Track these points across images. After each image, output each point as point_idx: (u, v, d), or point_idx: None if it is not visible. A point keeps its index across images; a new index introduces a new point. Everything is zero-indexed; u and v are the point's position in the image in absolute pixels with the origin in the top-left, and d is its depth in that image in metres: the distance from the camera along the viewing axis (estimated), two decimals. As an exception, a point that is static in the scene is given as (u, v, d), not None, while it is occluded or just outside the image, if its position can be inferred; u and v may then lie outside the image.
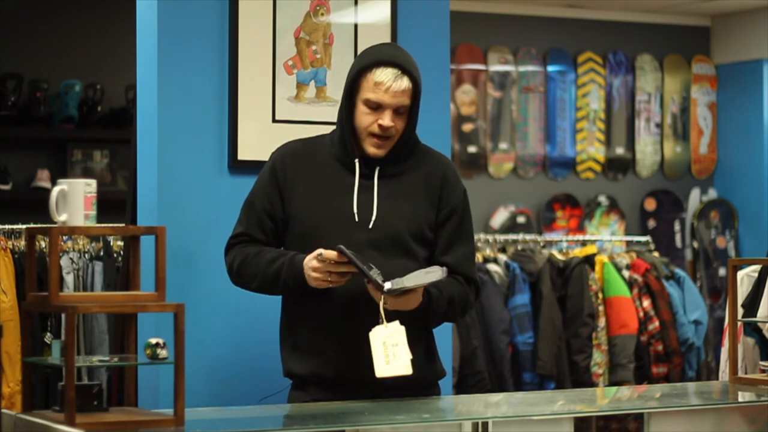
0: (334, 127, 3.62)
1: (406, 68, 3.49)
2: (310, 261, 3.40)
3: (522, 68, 8.57)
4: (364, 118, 3.50)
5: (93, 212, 3.06)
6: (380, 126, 3.48)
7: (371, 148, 3.51)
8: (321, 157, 3.58)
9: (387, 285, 3.32)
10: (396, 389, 3.48)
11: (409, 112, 3.52)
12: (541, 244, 6.72)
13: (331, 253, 3.35)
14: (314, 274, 3.39)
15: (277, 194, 3.56)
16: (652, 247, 7.05)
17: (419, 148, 3.63)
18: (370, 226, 3.50)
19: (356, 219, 3.50)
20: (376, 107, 3.48)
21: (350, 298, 3.45)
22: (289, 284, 3.46)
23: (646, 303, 6.59)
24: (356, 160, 3.53)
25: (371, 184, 3.53)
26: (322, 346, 3.49)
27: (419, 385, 3.55)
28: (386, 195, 3.53)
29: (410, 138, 3.57)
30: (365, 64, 3.49)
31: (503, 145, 8.51)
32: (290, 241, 3.55)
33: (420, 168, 3.59)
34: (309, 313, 3.51)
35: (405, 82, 3.48)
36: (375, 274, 3.33)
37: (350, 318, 3.46)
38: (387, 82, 3.47)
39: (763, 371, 3.99)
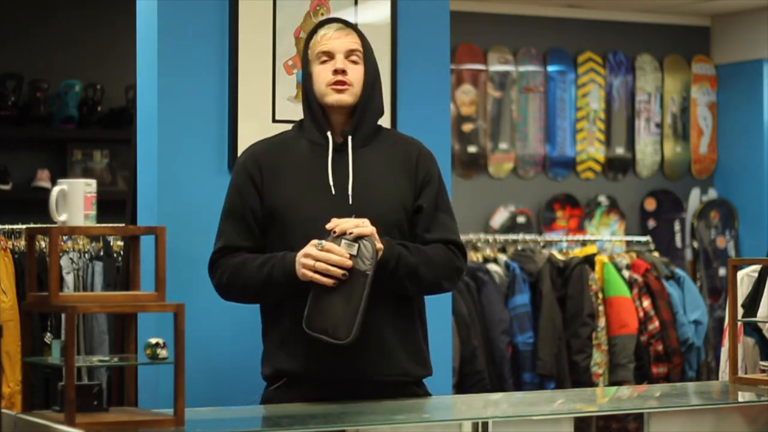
0: None
1: (347, 23, 3.60)
2: (306, 248, 3.36)
3: (522, 68, 8.57)
4: (320, 74, 3.53)
5: (93, 212, 3.06)
6: (335, 71, 3.50)
7: (333, 96, 3.52)
8: (292, 147, 3.59)
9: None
10: (376, 385, 3.45)
11: (366, 67, 3.55)
12: (541, 244, 6.73)
13: (331, 245, 3.33)
14: (303, 260, 3.35)
15: (256, 194, 3.53)
16: (652, 247, 7.05)
17: (391, 131, 3.67)
18: (350, 198, 3.49)
19: (332, 192, 3.49)
20: (327, 58, 3.53)
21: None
22: (281, 281, 3.41)
23: (646, 303, 6.60)
24: (328, 134, 3.54)
25: (345, 159, 3.53)
26: (305, 341, 3.45)
27: (401, 381, 3.51)
28: (361, 166, 3.53)
29: (373, 99, 3.57)
30: (311, 30, 3.61)
31: (503, 145, 8.51)
32: (276, 232, 3.53)
33: (394, 145, 3.61)
34: (290, 310, 3.47)
35: (349, 31, 3.57)
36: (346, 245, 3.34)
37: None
38: (329, 32, 3.56)
39: (763, 371, 3.99)
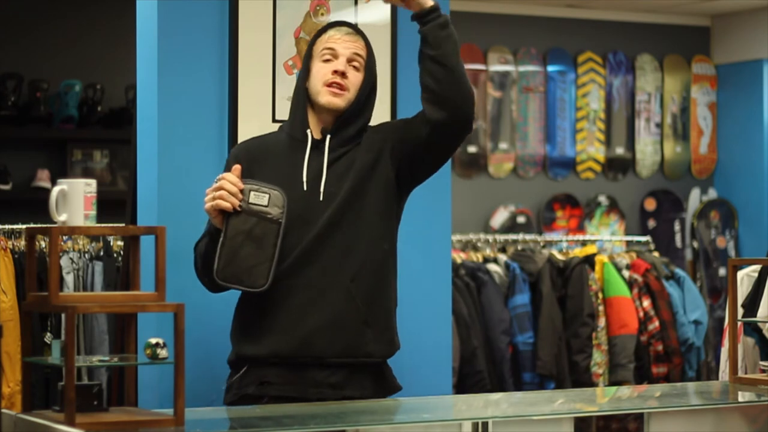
0: None
1: (358, 31, 3.62)
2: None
3: (522, 68, 8.57)
4: (320, 71, 3.56)
5: (93, 212, 3.06)
6: (335, 72, 3.53)
7: (327, 97, 3.54)
8: (274, 142, 3.63)
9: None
10: (340, 366, 3.48)
11: (365, 76, 3.57)
12: (541, 244, 6.73)
13: (225, 173, 3.43)
14: (205, 199, 3.43)
15: None
16: (652, 247, 7.05)
17: (371, 128, 3.68)
18: (321, 195, 3.51)
19: (305, 188, 3.52)
20: (330, 57, 3.55)
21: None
22: (210, 244, 3.48)
23: (646, 303, 6.59)
24: (308, 131, 3.56)
25: (321, 158, 3.54)
26: (269, 324, 3.50)
27: (363, 363, 3.53)
28: (336, 165, 3.55)
29: (365, 107, 3.59)
30: (321, 29, 3.64)
31: (503, 145, 8.51)
32: None
33: (368, 141, 3.61)
34: (250, 296, 3.52)
35: (357, 38, 3.60)
36: (256, 197, 3.40)
37: (294, 294, 3.48)
38: (338, 34, 3.59)
39: (763, 371, 3.99)
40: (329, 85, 3.54)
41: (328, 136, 3.56)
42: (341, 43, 3.57)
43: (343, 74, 3.54)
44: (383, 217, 3.54)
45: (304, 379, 3.49)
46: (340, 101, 3.55)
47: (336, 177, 3.54)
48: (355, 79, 3.56)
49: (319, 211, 3.49)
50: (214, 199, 3.42)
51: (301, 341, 3.48)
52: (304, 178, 3.53)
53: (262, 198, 3.41)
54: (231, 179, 3.42)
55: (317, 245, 3.48)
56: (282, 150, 3.59)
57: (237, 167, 3.44)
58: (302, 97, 3.59)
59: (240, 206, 3.41)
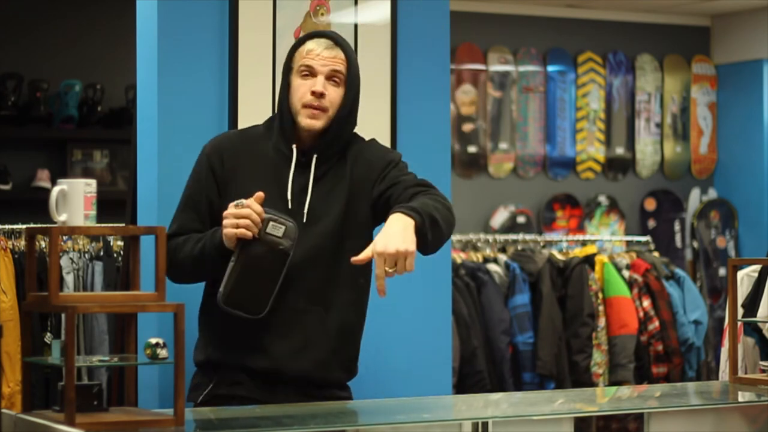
0: None
1: (338, 40, 3.54)
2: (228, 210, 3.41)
3: (522, 68, 8.57)
4: (298, 89, 3.50)
5: (93, 212, 3.06)
6: (313, 93, 3.48)
7: (305, 120, 3.49)
8: (258, 147, 3.58)
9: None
10: (297, 382, 3.50)
11: (346, 91, 3.51)
12: (541, 244, 6.73)
13: (250, 201, 3.37)
14: (226, 221, 3.39)
15: (215, 185, 3.55)
16: (652, 247, 7.05)
17: (361, 146, 3.61)
18: (304, 216, 3.50)
19: (289, 206, 3.50)
20: (308, 73, 3.50)
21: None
22: (212, 254, 3.44)
23: (646, 303, 6.60)
24: (293, 147, 3.53)
25: (307, 175, 3.52)
26: (241, 338, 3.50)
27: (328, 383, 3.55)
28: (321, 185, 3.52)
29: (347, 123, 3.55)
30: (299, 39, 3.57)
31: (503, 145, 8.51)
32: None
33: (358, 162, 3.57)
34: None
35: (337, 51, 3.52)
36: (274, 228, 3.38)
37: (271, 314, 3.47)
38: (317, 49, 3.51)
39: (763, 371, 3.99)
40: (307, 105, 3.50)
41: (315, 156, 3.53)
42: (319, 60, 3.50)
43: (321, 95, 3.49)
44: (364, 245, 3.46)
45: (273, 388, 3.51)
46: (318, 123, 3.50)
47: (321, 197, 3.52)
48: (334, 95, 3.51)
49: (303, 233, 3.47)
50: (238, 226, 3.37)
51: (272, 361, 3.49)
52: (289, 197, 3.51)
53: (278, 230, 3.40)
54: (257, 209, 3.37)
55: (300, 271, 3.47)
56: (267, 159, 3.55)
57: (260, 195, 3.38)
58: (285, 112, 3.54)
59: (261, 237, 3.39)
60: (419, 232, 3.30)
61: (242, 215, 3.38)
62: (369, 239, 3.50)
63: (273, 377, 3.51)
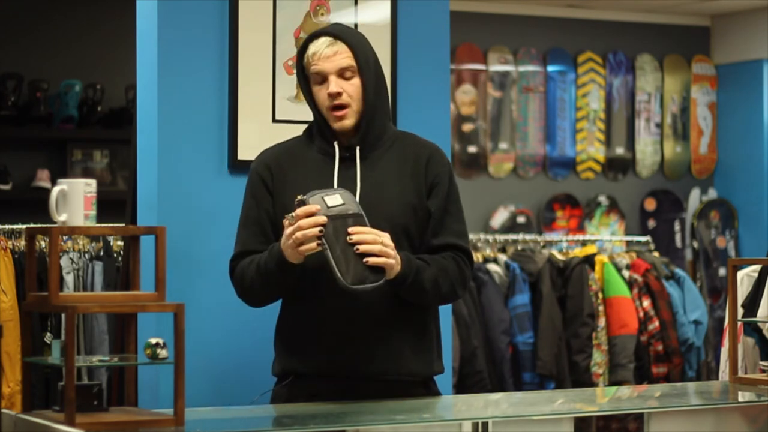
0: None
1: (336, 35, 3.49)
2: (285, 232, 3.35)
3: (522, 68, 8.57)
4: (318, 96, 3.49)
5: (93, 212, 3.06)
6: (330, 95, 3.46)
7: (335, 123, 3.48)
8: (302, 154, 3.56)
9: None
10: (383, 384, 3.46)
11: (362, 79, 3.48)
12: (541, 244, 6.73)
13: (299, 211, 3.31)
14: (285, 244, 3.33)
15: (268, 195, 3.52)
16: (652, 247, 7.05)
17: (403, 136, 3.61)
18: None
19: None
20: (322, 80, 3.48)
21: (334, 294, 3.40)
22: (275, 272, 3.39)
23: (646, 303, 6.60)
24: (336, 143, 3.51)
25: (354, 168, 3.50)
26: (312, 341, 3.47)
27: (410, 379, 3.52)
28: (368, 176, 3.50)
29: (378, 108, 3.52)
30: (302, 45, 3.53)
31: (503, 145, 8.51)
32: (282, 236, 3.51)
33: (404, 149, 3.56)
34: (299, 311, 3.49)
35: (338, 46, 3.48)
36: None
37: (339, 312, 3.44)
38: (319, 50, 3.48)
39: (763, 371, 3.99)
40: (330, 109, 3.48)
41: (357, 149, 3.51)
42: (324, 61, 3.47)
43: (337, 94, 3.47)
44: (417, 236, 3.49)
45: (352, 389, 3.46)
46: (348, 122, 3.49)
47: (369, 187, 3.49)
48: (351, 89, 3.48)
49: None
50: (300, 243, 3.30)
51: (347, 359, 3.44)
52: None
53: (335, 198, 3.34)
54: (309, 222, 3.29)
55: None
56: (312, 162, 3.52)
57: (313, 207, 3.31)
58: (317, 116, 3.52)
59: (325, 215, 3.31)
60: (397, 280, 3.36)
61: (298, 229, 3.29)
62: (425, 221, 3.50)
63: (352, 379, 3.46)
